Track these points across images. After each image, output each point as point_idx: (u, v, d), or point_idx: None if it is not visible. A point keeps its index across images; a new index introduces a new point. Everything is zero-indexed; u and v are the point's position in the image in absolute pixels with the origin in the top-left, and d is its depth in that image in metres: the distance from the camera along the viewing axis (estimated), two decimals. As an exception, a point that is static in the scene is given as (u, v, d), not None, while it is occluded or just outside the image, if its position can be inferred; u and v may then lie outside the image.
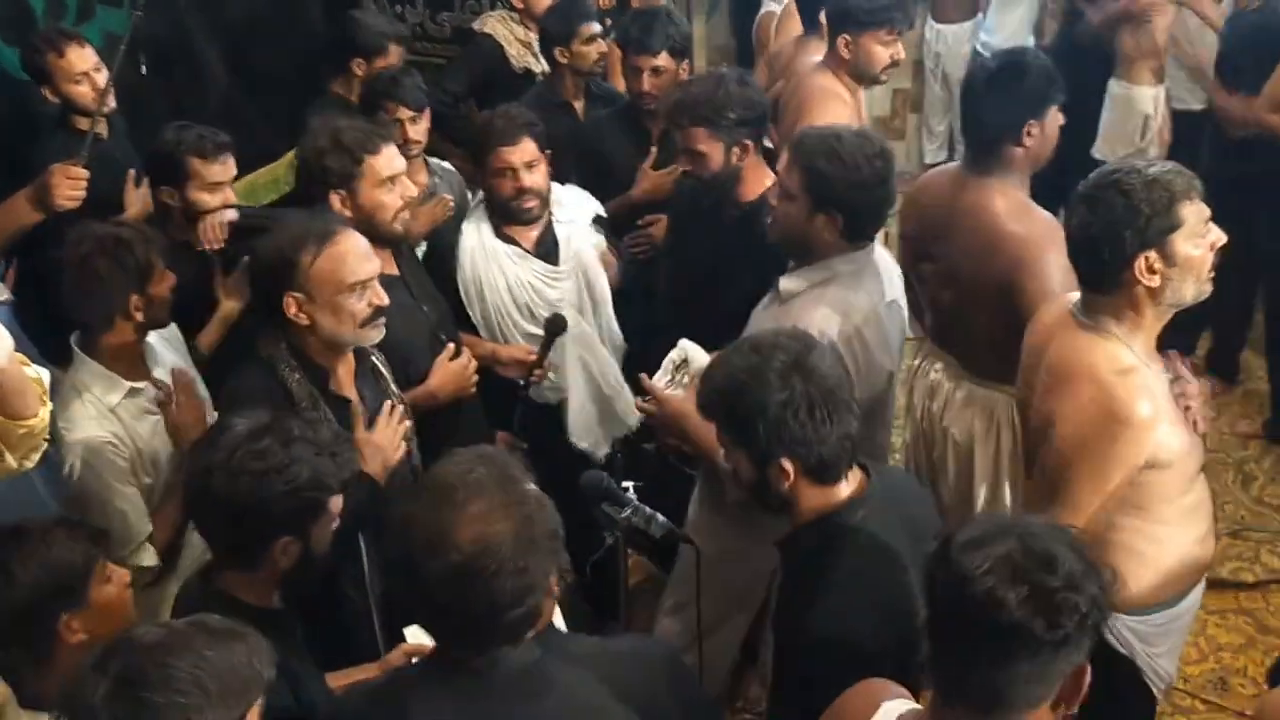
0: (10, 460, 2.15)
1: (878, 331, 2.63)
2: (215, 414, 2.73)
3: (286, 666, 1.82)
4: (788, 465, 1.96)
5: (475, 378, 2.91)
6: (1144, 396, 2.16)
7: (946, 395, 3.12)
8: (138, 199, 3.39)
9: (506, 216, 3.21)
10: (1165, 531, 2.29)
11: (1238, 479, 4.34)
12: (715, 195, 3.10)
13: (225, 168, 3.10)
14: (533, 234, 3.24)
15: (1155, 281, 2.15)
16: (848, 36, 3.58)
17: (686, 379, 2.68)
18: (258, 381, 2.44)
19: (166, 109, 4.10)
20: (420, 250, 3.34)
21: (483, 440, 3.13)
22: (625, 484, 2.33)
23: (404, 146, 3.21)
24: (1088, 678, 1.52)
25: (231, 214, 3.02)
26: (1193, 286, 2.19)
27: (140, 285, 2.58)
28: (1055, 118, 2.84)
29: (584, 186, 3.51)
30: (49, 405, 2.23)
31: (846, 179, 2.51)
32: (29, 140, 3.58)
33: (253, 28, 4.57)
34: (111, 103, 3.44)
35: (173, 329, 2.85)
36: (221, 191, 3.10)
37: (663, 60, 3.67)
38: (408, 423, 2.58)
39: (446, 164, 3.88)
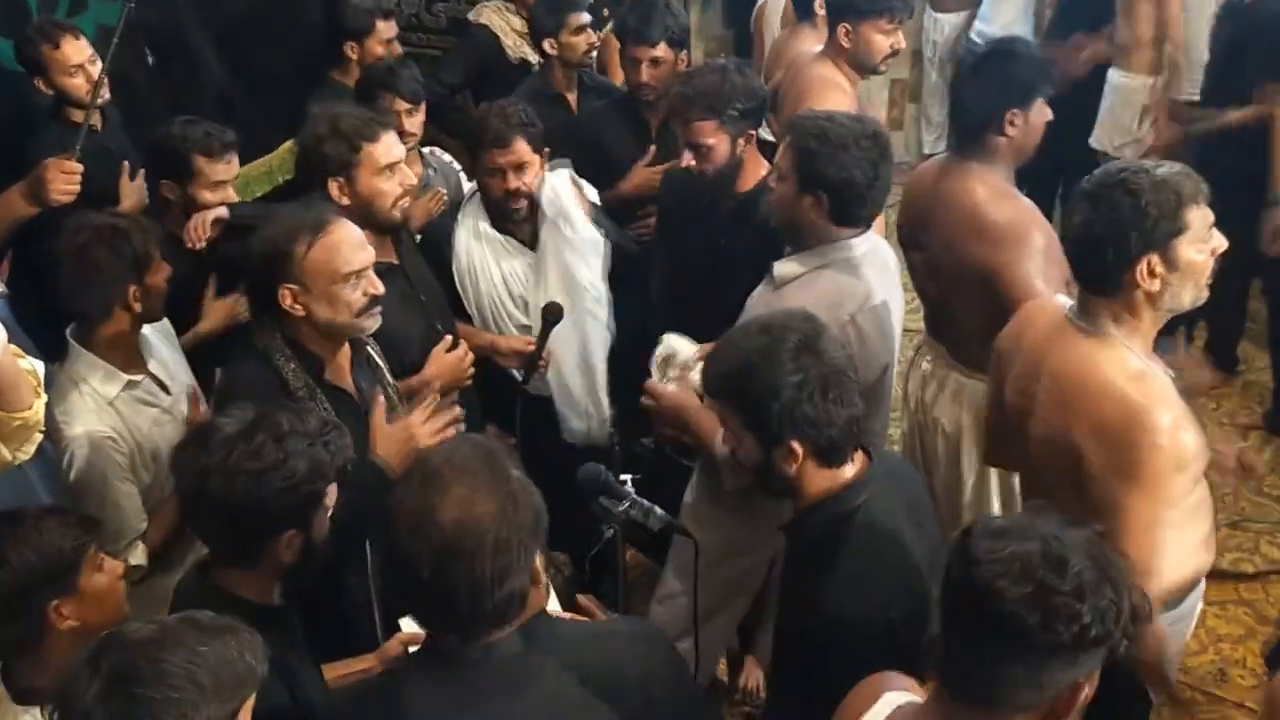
0: (4, 453, 2.15)
1: (873, 321, 2.61)
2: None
3: (283, 663, 1.82)
4: (797, 447, 1.97)
5: (471, 370, 2.90)
6: (1162, 402, 2.12)
7: (937, 385, 3.13)
8: (133, 191, 3.38)
9: (498, 213, 3.22)
10: (1171, 534, 2.25)
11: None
12: (711, 188, 3.09)
13: (229, 167, 3.11)
14: (527, 225, 3.24)
15: (1155, 286, 2.12)
16: (848, 25, 3.57)
17: (675, 372, 2.72)
18: (254, 374, 2.43)
19: (163, 102, 4.09)
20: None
21: (479, 432, 3.13)
22: (623, 477, 2.32)
23: (400, 139, 3.19)
24: (1084, 696, 1.50)
25: (221, 211, 3.01)
26: (1191, 292, 2.16)
27: (139, 275, 2.57)
28: (1041, 110, 2.82)
29: (582, 177, 3.49)
30: (43, 398, 2.23)
31: (833, 159, 2.51)
32: (23, 133, 3.57)
33: (251, 25, 4.56)
34: (106, 95, 3.43)
35: (165, 323, 2.84)
36: (223, 190, 3.11)
37: (661, 51, 3.67)
38: (457, 410, 2.55)
39: (446, 155, 3.87)
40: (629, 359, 3.26)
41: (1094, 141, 5.27)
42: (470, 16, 4.86)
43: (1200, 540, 2.35)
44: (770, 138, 3.78)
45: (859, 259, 2.62)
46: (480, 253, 3.25)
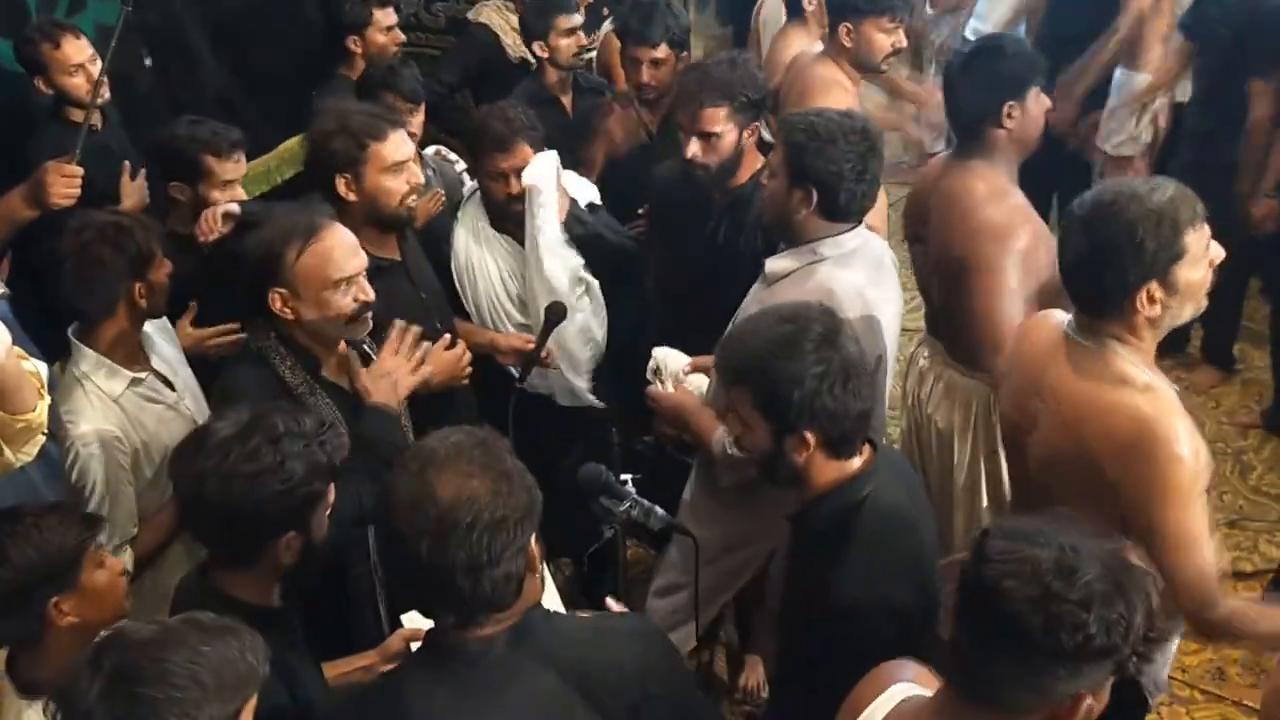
0: (8, 454, 2.15)
1: (864, 315, 2.61)
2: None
3: (283, 663, 1.82)
4: (810, 436, 1.98)
5: (469, 369, 2.91)
6: (1173, 412, 2.08)
7: (932, 382, 3.13)
8: (134, 191, 3.38)
9: (498, 214, 3.23)
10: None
11: (1236, 468, 4.34)
12: (706, 184, 3.09)
13: (238, 165, 3.12)
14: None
15: (1155, 311, 2.08)
16: (849, 25, 3.57)
17: (670, 383, 2.80)
18: (252, 375, 2.43)
19: (163, 102, 4.09)
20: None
21: (474, 429, 3.14)
22: (624, 477, 2.32)
23: (402, 137, 3.21)
24: (1087, 707, 1.49)
25: (233, 206, 3.02)
26: (1191, 308, 2.13)
27: (142, 272, 2.57)
28: (1038, 99, 2.81)
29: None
30: (46, 399, 2.23)
31: (822, 153, 2.51)
32: (22, 133, 3.57)
33: (250, 25, 4.56)
34: (106, 94, 3.43)
35: (164, 323, 2.84)
36: (233, 188, 3.11)
37: (662, 52, 3.67)
38: (415, 329, 2.59)
39: (451, 155, 3.88)
40: (627, 358, 3.27)
41: (1097, 140, 5.28)
42: (470, 15, 4.87)
43: None
44: (770, 138, 3.78)
45: (850, 254, 2.61)
46: (479, 252, 3.26)
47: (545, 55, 4.00)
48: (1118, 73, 5.13)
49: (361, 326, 2.49)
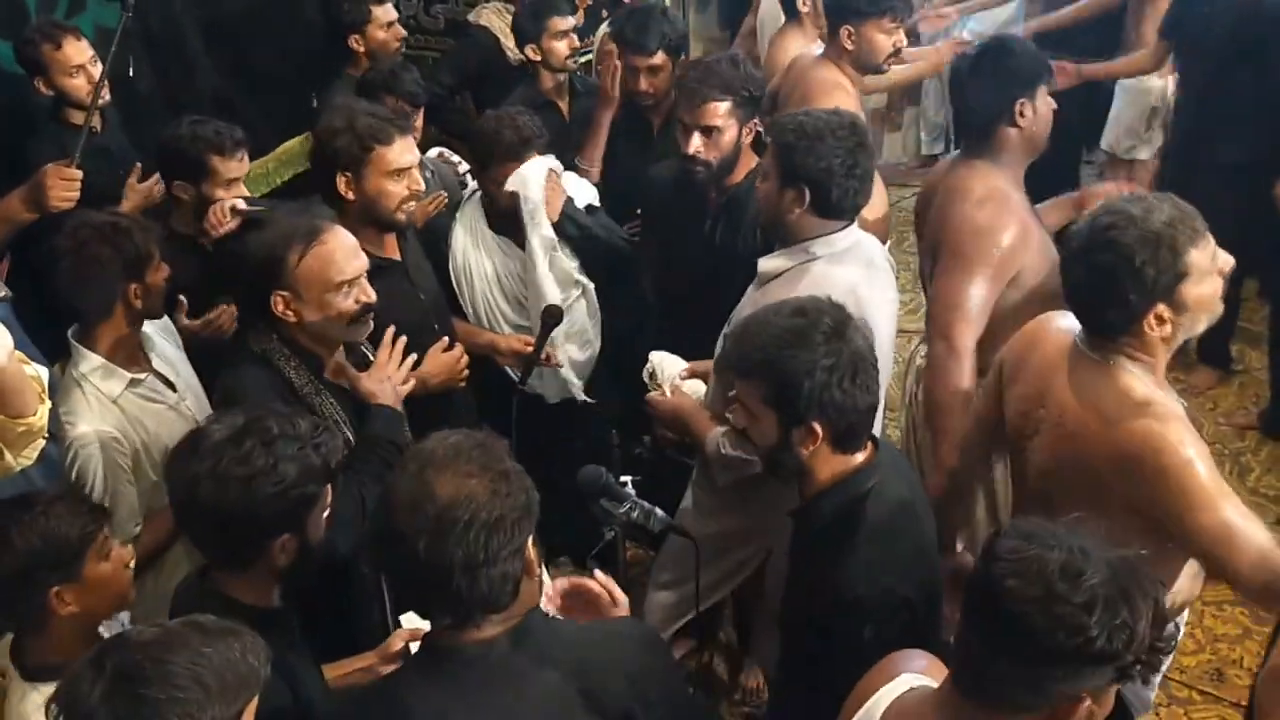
0: (9, 458, 2.16)
1: (856, 312, 2.62)
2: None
3: (284, 664, 1.83)
4: (818, 428, 2.00)
5: (466, 371, 2.91)
6: (1174, 420, 2.05)
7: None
8: (136, 193, 3.38)
9: (500, 218, 3.24)
10: (1162, 565, 2.22)
11: (1234, 470, 4.34)
12: (701, 183, 3.10)
13: (242, 164, 3.12)
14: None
15: (1166, 330, 2.07)
16: (850, 28, 3.58)
17: (668, 387, 2.83)
18: (256, 376, 2.44)
19: (162, 104, 4.09)
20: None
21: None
22: (624, 479, 2.33)
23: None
24: (1085, 710, 1.49)
25: (239, 203, 3.02)
26: (1206, 319, 2.12)
27: (139, 273, 2.58)
28: (1046, 98, 2.82)
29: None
30: (47, 403, 2.23)
31: (811, 150, 2.52)
32: (22, 135, 3.57)
33: (250, 26, 4.56)
34: (106, 96, 3.43)
35: (166, 321, 2.84)
36: (236, 187, 3.12)
37: (659, 59, 3.67)
38: (401, 339, 2.62)
39: (455, 156, 3.89)
40: (625, 359, 3.28)
41: (1104, 142, 5.29)
42: (470, 18, 4.87)
43: (1191, 574, 2.30)
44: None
45: (843, 253, 2.62)
46: (476, 253, 3.28)
47: (538, 58, 3.99)
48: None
49: (363, 328, 2.51)
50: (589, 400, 3.43)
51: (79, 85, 3.44)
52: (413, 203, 2.87)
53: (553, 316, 3.03)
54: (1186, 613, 2.46)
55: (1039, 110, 2.79)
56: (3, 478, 2.20)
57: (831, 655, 1.97)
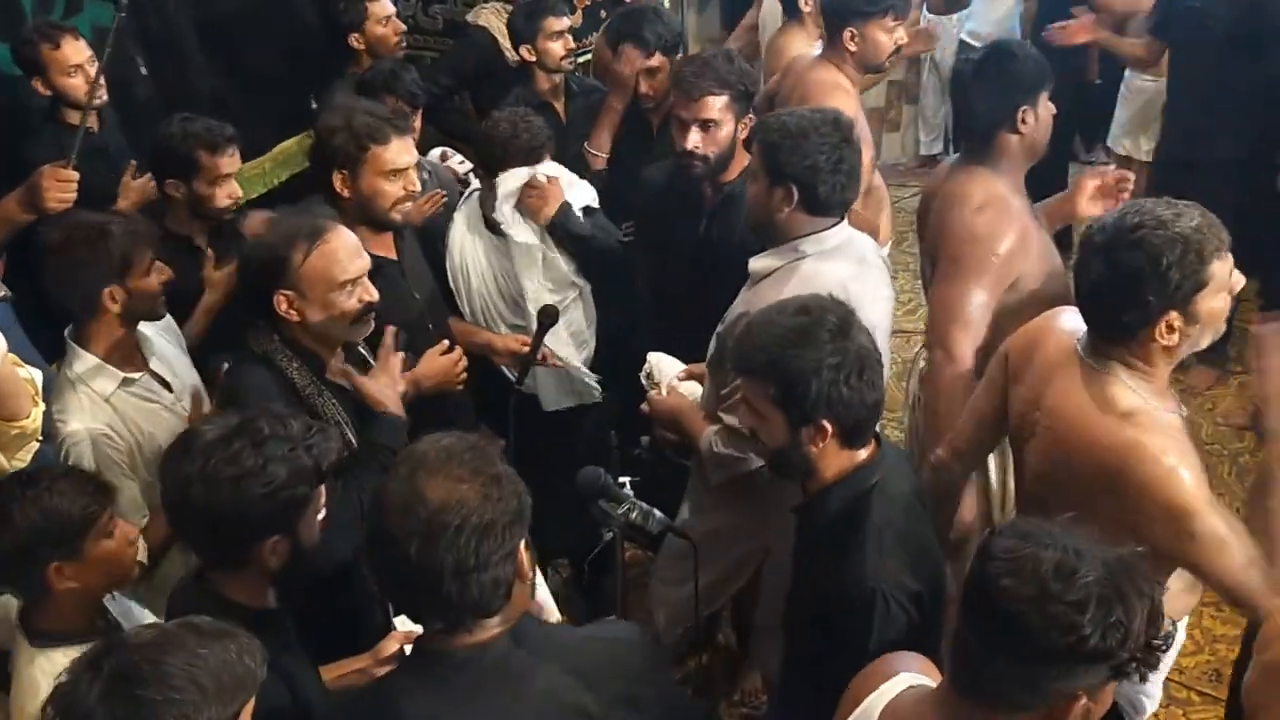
0: (2, 461, 2.16)
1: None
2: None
3: (281, 665, 1.82)
4: (827, 425, 2.00)
5: (464, 375, 2.91)
6: (1157, 433, 2.03)
7: None
8: (132, 191, 3.38)
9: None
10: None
11: (1233, 471, 4.34)
12: (695, 181, 3.10)
13: (232, 160, 3.12)
14: None
15: (1174, 340, 2.05)
16: (853, 29, 3.58)
17: (665, 388, 2.84)
18: (258, 377, 2.44)
19: (160, 104, 4.09)
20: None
21: (472, 433, 3.14)
22: (622, 480, 2.33)
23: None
24: (1081, 708, 1.49)
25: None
26: (1209, 336, 2.11)
27: (119, 277, 2.56)
28: (1047, 104, 2.81)
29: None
30: (41, 406, 2.23)
31: (796, 148, 2.53)
32: (19, 136, 3.56)
33: (245, 26, 4.56)
34: (103, 96, 3.43)
35: (169, 321, 2.84)
36: (228, 183, 3.11)
37: (656, 61, 3.67)
38: (391, 329, 2.61)
39: (458, 156, 3.89)
40: (621, 359, 3.28)
41: (1112, 142, 5.29)
42: (469, 18, 4.86)
43: (1184, 586, 2.31)
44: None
45: (832, 250, 2.62)
46: (473, 252, 3.28)
47: (533, 59, 3.98)
48: (1127, 74, 5.15)
49: (364, 327, 2.51)
50: (597, 399, 3.43)
51: (77, 85, 3.44)
52: (408, 203, 2.87)
53: (548, 316, 3.03)
54: (1187, 615, 2.45)
55: (1040, 117, 2.79)
56: (-3, 480, 2.20)
57: (838, 653, 1.97)
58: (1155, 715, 2.93)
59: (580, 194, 3.37)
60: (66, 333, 2.63)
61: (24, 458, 2.21)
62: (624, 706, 1.70)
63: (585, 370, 3.38)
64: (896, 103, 6.96)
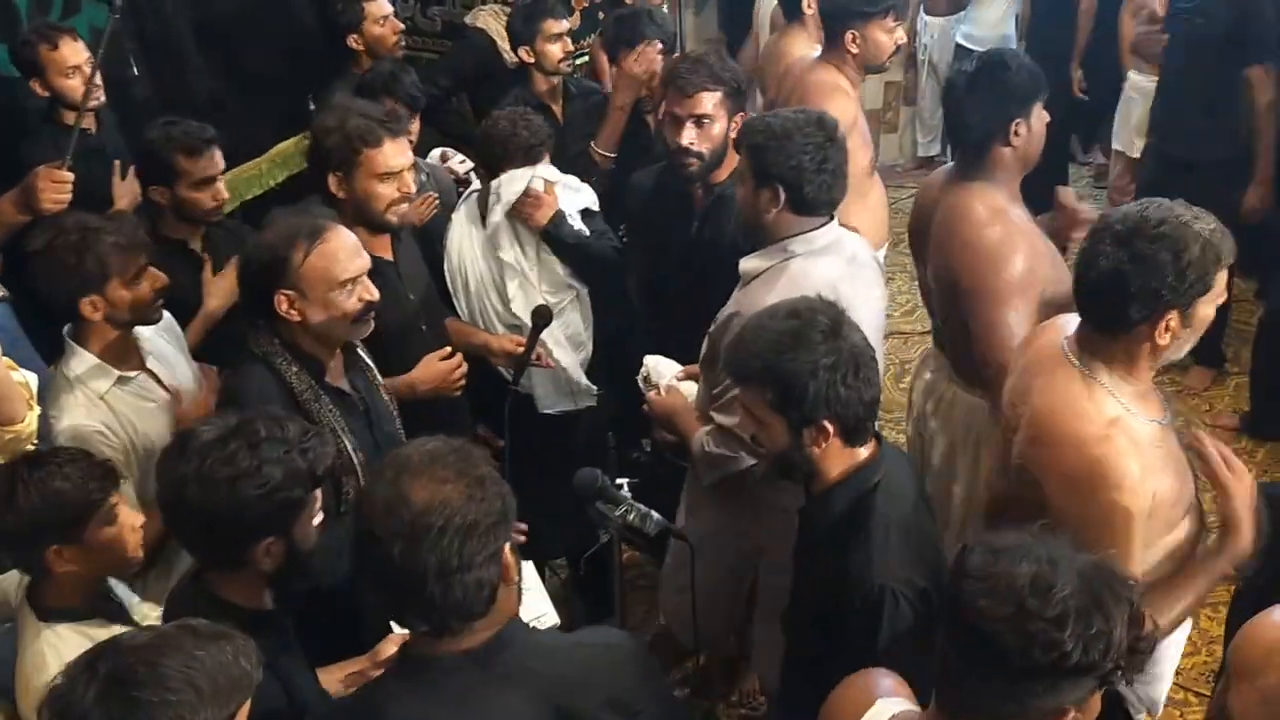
0: None
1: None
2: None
3: (278, 667, 1.82)
4: (829, 425, 2.01)
5: (461, 381, 2.91)
6: (1129, 454, 2.06)
7: (938, 397, 3.12)
8: (126, 191, 3.37)
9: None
10: (1143, 569, 2.20)
11: (1230, 472, 4.34)
12: (686, 182, 3.11)
13: (213, 161, 3.09)
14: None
15: (1166, 340, 2.06)
16: (855, 31, 3.59)
17: (662, 389, 2.85)
18: (256, 380, 2.44)
19: (158, 105, 4.09)
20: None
21: (470, 433, 3.14)
22: (620, 481, 2.33)
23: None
24: None
25: None
26: (1191, 344, 2.12)
27: (98, 287, 2.55)
28: (1040, 115, 2.79)
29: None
30: (36, 409, 2.23)
31: (781, 149, 2.54)
32: (16, 137, 3.56)
33: (242, 27, 4.56)
34: (101, 97, 3.42)
35: (170, 322, 2.84)
36: (212, 186, 3.09)
37: None
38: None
39: (459, 156, 3.89)
40: (617, 361, 3.28)
41: (1116, 142, 5.30)
42: (467, 20, 4.87)
43: (1175, 569, 2.26)
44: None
45: (821, 250, 2.63)
46: (471, 252, 3.28)
47: (531, 61, 3.99)
48: (1131, 75, 5.15)
49: (365, 327, 2.51)
50: (594, 402, 3.44)
51: (75, 86, 3.43)
52: (403, 205, 2.87)
53: (542, 317, 3.04)
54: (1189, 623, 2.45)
55: (1033, 128, 2.77)
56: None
57: (846, 653, 1.96)
58: (1150, 716, 2.94)
59: (581, 197, 3.37)
60: (65, 330, 2.63)
61: None
62: (612, 712, 1.69)
63: (580, 375, 3.38)
64: (894, 104, 6.96)
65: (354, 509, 1.69)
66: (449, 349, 2.91)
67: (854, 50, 3.61)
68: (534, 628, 1.86)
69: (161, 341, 2.79)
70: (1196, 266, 1.99)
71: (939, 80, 6.67)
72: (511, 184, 3.18)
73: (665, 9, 4.97)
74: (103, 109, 3.56)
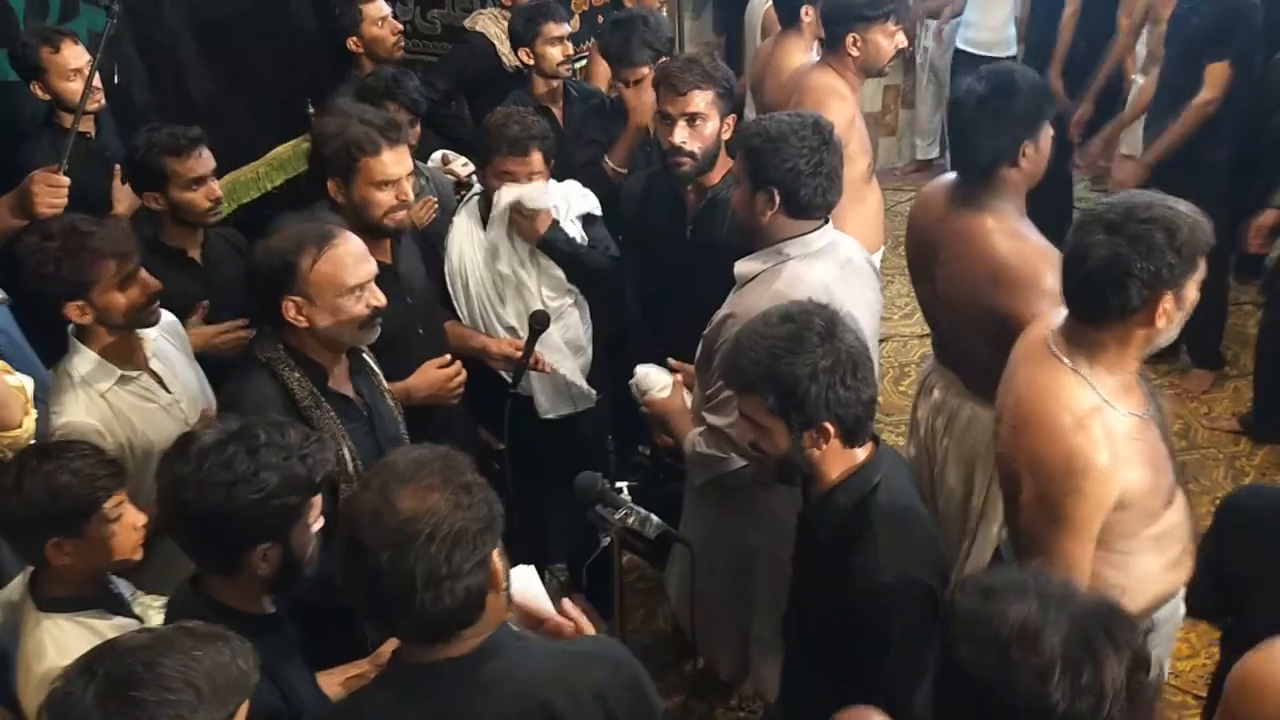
0: None
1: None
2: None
3: (276, 670, 1.82)
4: (829, 427, 2.02)
5: (459, 390, 2.91)
6: (1102, 445, 2.07)
7: (950, 413, 3.08)
8: (125, 194, 3.37)
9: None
10: (1129, 560, 2.24)
11: (1229, 474, 4.34)
12: (679, 185, 3.12)
13: (202, 161, 3.09)
14: None
15: (1162, 323, 2.07)
16: (856, 34, 3.59)
17: (655, 396, 2.86)
18: (258, 386, 2.43)
19: (158, 109, 4.09)
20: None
21: (471, 436, 3.14)
22: (619, 485, 2.33)
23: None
24: None
25: None
26: (1175, 331, 2.14)
27: (83, 293, 2.54)
28: (1048, 135, 2.77)
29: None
30: (33, 414, 2.23)
31: (776, 152, 2.55)
32: (15, 140, 3.56)
33: (240, 30, 4.56)
34: (100, 100, 3.42)
35: (174, 324, 2.84)
36: (204, 186, 3.09)
37: (646, 70, 3.68)
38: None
39: (459, 159, 3.88)
40: (617, 363, 3.27)
41: (1123, 147, 5.30)
42: (466, 24, 4.87)
43: (1165, 566, 2.31)
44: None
45: (816, 253, 2.63)
46: (471, 255, 3.28)
47: (531, 62, 3.99)
48: (1136, 77, 5.15)
49: (371, 332, 2.51)
50: (593, 405, 3.44)
51: (76, 89, 3.42)
52: (401, 212, 2.87)
53: (540, 322, 3.04)
54: (1179, 595, 2.45)
55: (1041, 149, 2.75)
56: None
57: (850, 656, 1.97)
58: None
59: (582, 203, 3.38)
60: (70, 328, 2.63)
61: None
62: (599, 708, 1.69)
63: (581, 380, 3.38)
64: (892, 107, 6.98)
65: (340, 518, 1.68)
66: (448, 357, 2.91)
67: (854, 53, 3.62)
68: (522, 634, 1.85)
69: (165, 343, 2.80)
70: (1189, 245, 2.03)
71: (938, 83, 6.69)
72: (507, 198, 3.18)
73: (664, 11, 4.97)
74: (102, 112, 3.56)
